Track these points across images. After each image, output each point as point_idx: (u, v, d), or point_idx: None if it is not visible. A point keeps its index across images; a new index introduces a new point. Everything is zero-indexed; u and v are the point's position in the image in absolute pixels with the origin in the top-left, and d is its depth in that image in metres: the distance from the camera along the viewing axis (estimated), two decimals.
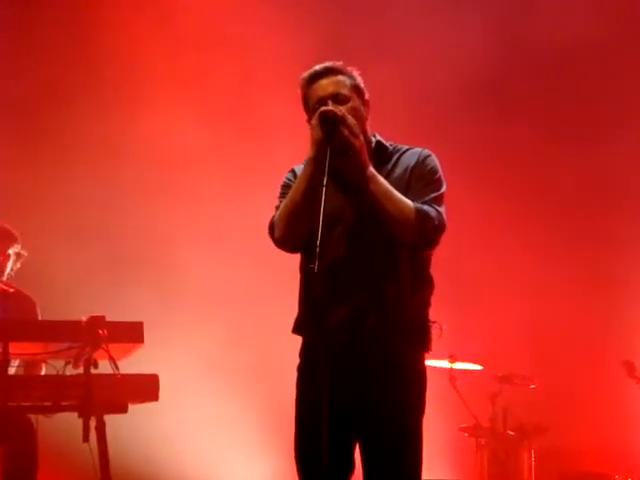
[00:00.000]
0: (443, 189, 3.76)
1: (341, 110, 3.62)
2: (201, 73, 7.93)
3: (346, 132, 3.57)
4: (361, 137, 3.63)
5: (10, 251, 5.97)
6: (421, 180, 3.73)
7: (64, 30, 7.81)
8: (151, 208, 7.61)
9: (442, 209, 3.71)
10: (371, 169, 3.64)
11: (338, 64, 3.82)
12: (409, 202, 3.64)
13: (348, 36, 7.77)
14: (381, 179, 3.65)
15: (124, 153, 7.63)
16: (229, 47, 7.91)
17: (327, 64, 3.81)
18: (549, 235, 8.10)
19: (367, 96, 3.83)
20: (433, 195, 3.71)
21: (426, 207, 3.65)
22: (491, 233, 7.93)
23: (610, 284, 8.00)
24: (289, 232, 3.67)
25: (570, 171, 8.04)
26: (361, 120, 3.73)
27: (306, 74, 3.81)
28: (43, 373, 5.72)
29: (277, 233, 3.71)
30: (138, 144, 7.62)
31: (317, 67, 3.81)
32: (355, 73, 3.83)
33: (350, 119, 3.61)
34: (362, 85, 3.82)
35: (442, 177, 3.79)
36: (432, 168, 3.77)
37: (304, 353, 3.78)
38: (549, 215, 8.15)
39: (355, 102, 3.75)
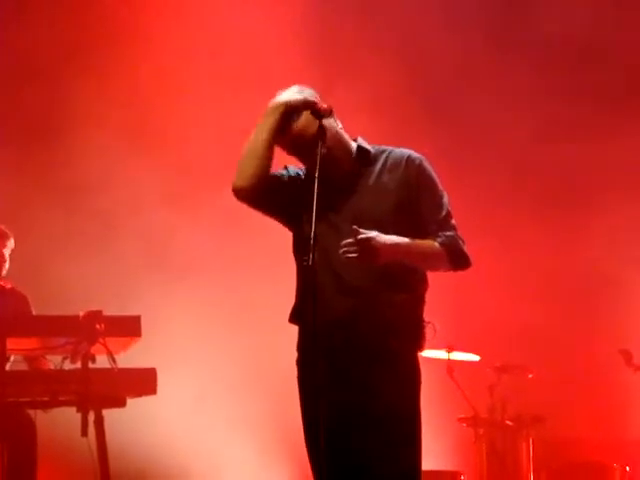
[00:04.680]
0: (446, 199, 3.78)
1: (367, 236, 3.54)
2: None
3: (368, 256, 3.54)
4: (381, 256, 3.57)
5: (5, 250, 5.94)
6: (428, 201, 3.74)
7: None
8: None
9: (454, 222, 3.76)
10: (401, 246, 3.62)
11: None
12: (434, 244, 3.68)
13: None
14: (407, 244, 3.64)
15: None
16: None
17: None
18: (549, 227, 8.09)
19: (328, 106, 3.69)
20: (444, 214, 3.74)
21: (448, 235, 3.71)
22: (489, 223, 7.92)
23: (607, 275, 8.00)
24: (243, 175, 3.66)
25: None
26: (335, 136, 3.69)
27: None
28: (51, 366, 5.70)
29: (234, 181, 3.69)
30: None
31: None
32: (313, 97, 3.69)
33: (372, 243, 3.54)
34: (321, 102, 3.68)
35: (439, 183, 3.78)
36: (432, 182, 3.77)
37: (301, 346, 3.79)
38: (551, 209, 8.13)
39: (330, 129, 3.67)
